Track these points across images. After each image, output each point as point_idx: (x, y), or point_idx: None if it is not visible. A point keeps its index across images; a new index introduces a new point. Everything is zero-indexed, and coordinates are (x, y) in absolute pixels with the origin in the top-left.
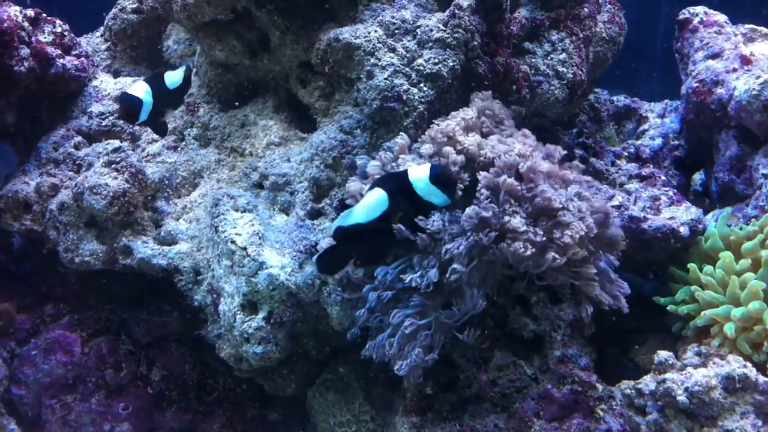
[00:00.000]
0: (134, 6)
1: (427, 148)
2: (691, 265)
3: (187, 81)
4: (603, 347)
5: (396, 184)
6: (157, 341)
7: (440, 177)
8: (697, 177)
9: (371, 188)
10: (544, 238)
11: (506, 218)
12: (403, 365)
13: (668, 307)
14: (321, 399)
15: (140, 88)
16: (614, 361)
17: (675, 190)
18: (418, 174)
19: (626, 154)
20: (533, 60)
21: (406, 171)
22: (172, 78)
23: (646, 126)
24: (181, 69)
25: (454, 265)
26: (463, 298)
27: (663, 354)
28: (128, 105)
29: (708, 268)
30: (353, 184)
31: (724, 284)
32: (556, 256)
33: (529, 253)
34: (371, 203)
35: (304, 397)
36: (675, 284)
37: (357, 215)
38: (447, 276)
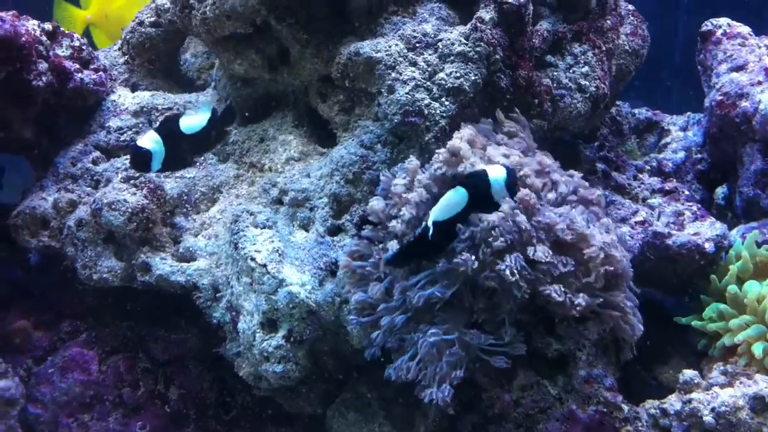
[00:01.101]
0: (152, 20)
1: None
2: (724, 282)
3: (214, 122)
4: (626, 365)
5: (477, 183)
6: (175, 359)
7: (513, 181)
8: (720, 191)
9: (453, 186)
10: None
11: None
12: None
13: (693, 323)
14: (341, 418)
15: (149, 139)
16: (637, 378)
17: (699, 205)
18: (496, 174)
19: (648, 168)
20: (555, 73)
21: (485, 170)
22: (191, 123)
23: (668, 139)
24: (204, 112)
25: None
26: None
27: (688, 373)
28: (135, 157)
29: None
30: (376, 203)
31: (753, 305)
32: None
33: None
34: (452, 201)
35: (324, 417)
36: (704, 299)
37: (437, 212)
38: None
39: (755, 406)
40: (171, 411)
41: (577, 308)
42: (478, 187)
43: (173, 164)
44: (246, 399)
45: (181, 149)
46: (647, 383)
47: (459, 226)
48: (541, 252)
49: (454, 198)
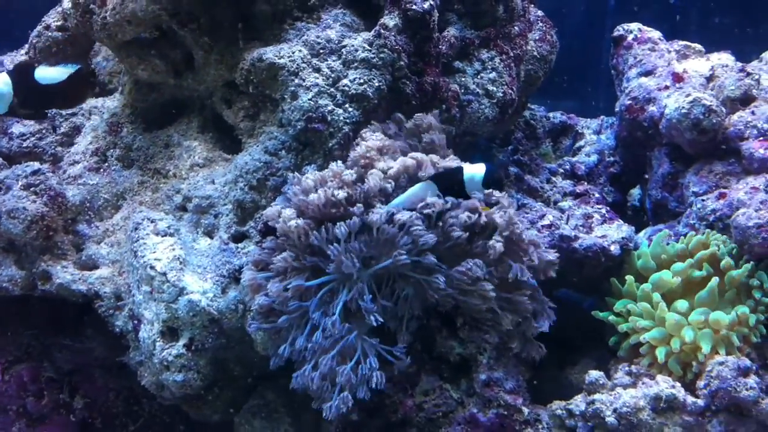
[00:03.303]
0: (59, 23)
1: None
2: (629, 278)
3: (72, 79)
4: (542, 365)
5: (448, 179)
6: (80, 368)
7: (494, 180)
8: (636, 192)
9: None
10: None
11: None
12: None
13: (610, 318)
14: (248, 426)
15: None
16: (552, 379)
17: (608, 208)
18: (473, 172)
19: (562, 171)
20: (463, 79)
21: (461, 167)
22: (47, 74)
23: (582, 143)
24: (67, 68)
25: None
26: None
27: (594, 374)
28: None
29: (648, 285)
30: (272, 209)
31: (656, 304)
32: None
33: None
34: (415, 191)
35: (233, 424)
36: (609, 300)
37: (398, 201)
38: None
39: (656, 407)
40: (76, 420)
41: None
42: (452, 184)
43: (21, 110)
44: (154, 407)
45: (33, 98)
46: (563, 384)
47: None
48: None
49: (419, 190)
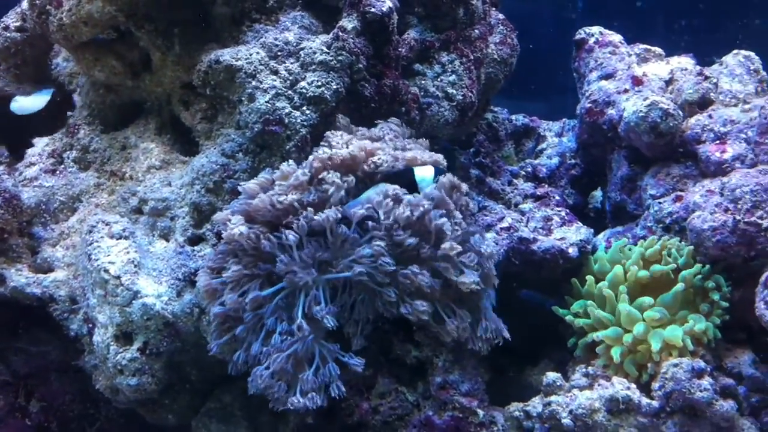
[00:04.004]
0: (18, 24)
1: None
2: (589, 278)
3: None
4: (503, 367)
5: (401, 181)
6: (36, 371)
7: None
8: (598, 195)
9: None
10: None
11: None
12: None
13: (566, 318)
14: (204, 429)
15: None
16: (514, 381)
17: (567, 210)
18: (423, 174)
19: (524, 173)
20: (423, 82)
21: (412, 169)
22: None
23: (544, 145)
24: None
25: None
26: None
27: (551, 376)
28: None
29: (603, 282)
30: (221, 214)
31: (613, 303)
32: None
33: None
34: (368, 194)
35: (190, 427)
36: (568, 300)
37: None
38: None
39: (611, 408)
40: (32, 424)
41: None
42: (406, 186)
43: None
44: (110, 411)
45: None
46: (523, 385)
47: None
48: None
49: (373, 193)
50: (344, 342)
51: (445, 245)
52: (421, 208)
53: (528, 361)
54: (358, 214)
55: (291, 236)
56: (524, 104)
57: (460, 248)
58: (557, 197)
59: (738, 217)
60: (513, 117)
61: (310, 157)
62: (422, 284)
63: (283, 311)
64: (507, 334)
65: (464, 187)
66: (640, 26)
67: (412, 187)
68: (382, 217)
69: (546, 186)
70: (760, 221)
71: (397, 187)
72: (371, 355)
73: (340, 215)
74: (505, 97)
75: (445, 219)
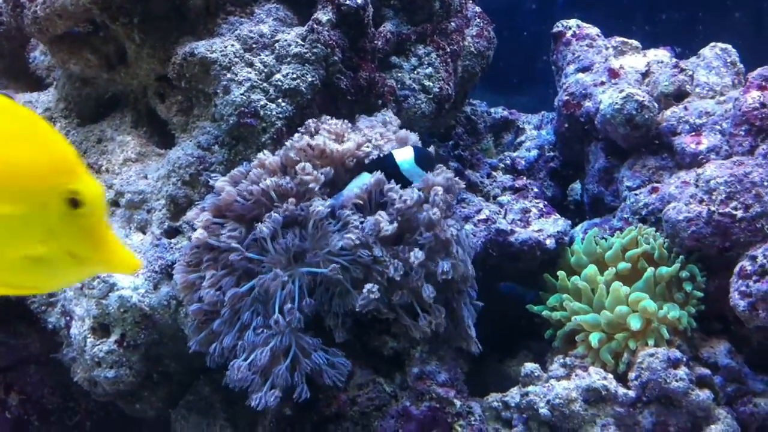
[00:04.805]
0: None
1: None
2: (561, 273)
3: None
4: (484, 358)
5: (383, 167)
6: (15, 364)
7: (423, 158)
8: (577, 187)
9: (360, 172)
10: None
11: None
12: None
13: (543, 313)
14: (183, 421)
15: None
16: (495, 372)
17: (546, 202)
18: (404, 156)
19: (502, 165)
20: (399, 74)
21: (391, 154)
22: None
23: (523, 138)
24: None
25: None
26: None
27: (529, 366)
28: None
29: (576, 277)
30: (192, 212)
31: (589, 295)
32: None
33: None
34: (351, 187)
35: (169, 419)
36: (542, 295)
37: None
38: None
39: (588, 398)
40: (12, 417)
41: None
42: (388, 172)
43: None
44: (90, 403)
45: None
46: (504, 375)
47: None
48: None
49: (358, 182)
50: (324, 333)
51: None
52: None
53: (507, 352)
54: (344, 215)
55: (265, 228)
56: (507, 97)
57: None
58: (536, 189)
59: (713, 208)
60: (492, 110)
61: (288, 143)
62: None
63: (260, 304)
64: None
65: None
66: (620, 18)
67: (395, 172)
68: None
69: (525, 178)
70: (734, 212)
71: (381, 175)
72: (349, 347)
73: (329, 209)
74: (489, 90)
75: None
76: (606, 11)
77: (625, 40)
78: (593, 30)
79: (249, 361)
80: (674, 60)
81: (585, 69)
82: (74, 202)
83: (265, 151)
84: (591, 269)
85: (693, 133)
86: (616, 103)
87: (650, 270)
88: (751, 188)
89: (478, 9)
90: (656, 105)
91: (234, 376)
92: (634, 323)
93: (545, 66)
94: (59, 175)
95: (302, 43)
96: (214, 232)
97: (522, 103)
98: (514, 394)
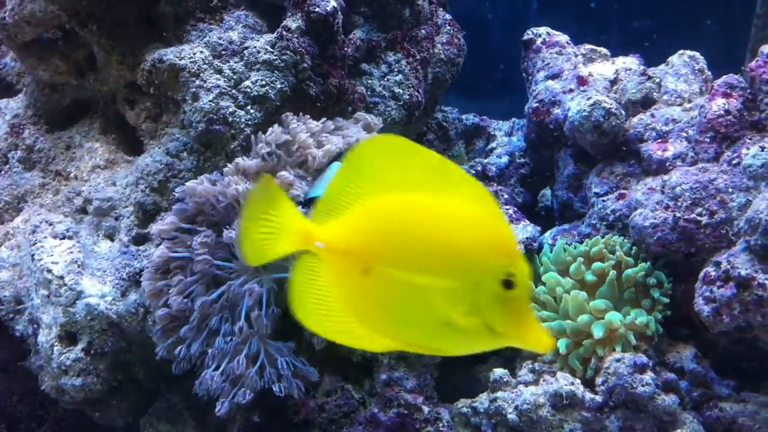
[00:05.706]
0: None
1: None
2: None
3: None
4: (453, 364)
5: None
6: None
7: None
8: (548, 193)
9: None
10: None
11: None
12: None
13: None
14: (152, 429)
15: None
16: (464, 377)
17: (516, 209)
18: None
19: (474, 172)
20: (369, 81)
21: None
22: None
23: (494, 144)
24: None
25: None
26: None
27: (498, 372)
28: None
29: (542, 287)
30: (157, 225)
31: (553, 304)
32: None
33: None
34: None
35: (138, 427)
36: None
37: (316, 189)
38: None
39: (556, 403)
40: None
41: None
42: None
43: None
44: (59, 411)
45: None
46: (474, 381)
47: None
48: None
49: (329, 174)
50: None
51: None
52: None
53: (478, 357)
54: None
55: (233, 233)
56: (482, 103)
57: None
58: (506, 196)
59: (678, 215)
60: (463, 116)
61: (259, 145)
62: None
63: (228, 311)
64: None
65: None
66: (593, 26)
67: None
68: None
69: (495, 185)
70: (699, 218)
71: None
72: (317, 353)
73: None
74: (463, 97)
75: None
76: (578, 19)
77: (594, 47)
78: (563, 38)
79: (221, 369)
80: (642, 67)
81: (554, 76)
82: (508, 284)
83: (243, 157)
84: (550, 276)
85: (660, 140)
86: (584, 110)
87: (613, 273)
88: (715, 194)
89: (448, 16)
90: (624, 112)
91: (207, 387)
92: (597, 331)
93: (519, 73)
94: (499, 257)
95: (271, 50)
96: (182, 241)
97: (497, 110)
98: (483, 400)
